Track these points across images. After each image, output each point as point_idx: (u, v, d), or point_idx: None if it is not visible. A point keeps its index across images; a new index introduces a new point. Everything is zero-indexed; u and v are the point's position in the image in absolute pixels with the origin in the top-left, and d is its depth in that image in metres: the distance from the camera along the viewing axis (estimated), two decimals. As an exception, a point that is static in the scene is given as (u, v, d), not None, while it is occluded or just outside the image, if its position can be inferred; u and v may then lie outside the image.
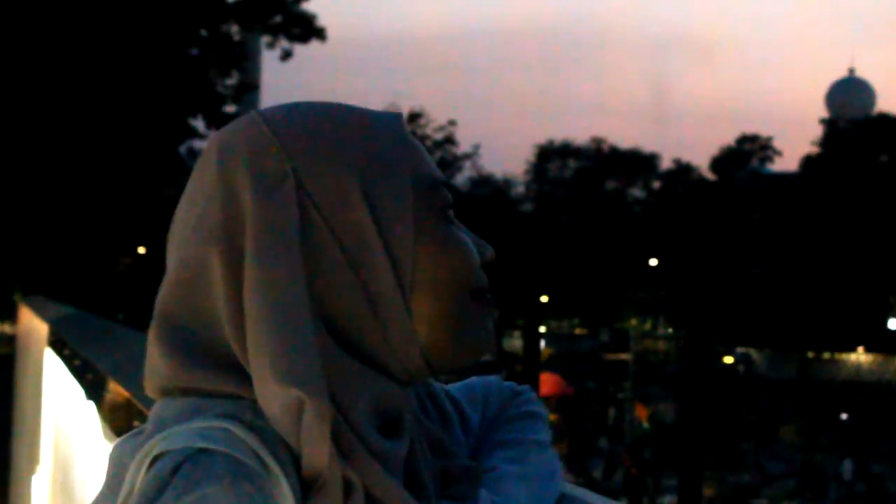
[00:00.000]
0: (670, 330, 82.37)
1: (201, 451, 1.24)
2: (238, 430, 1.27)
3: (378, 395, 1.34)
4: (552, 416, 45.97)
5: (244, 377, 1.31)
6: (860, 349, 72.59)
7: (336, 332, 1.33)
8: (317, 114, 1.39)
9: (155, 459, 1.25)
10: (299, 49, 36.89)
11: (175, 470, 1.22)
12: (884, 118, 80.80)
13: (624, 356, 62.69)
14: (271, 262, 1.29)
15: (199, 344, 1.35)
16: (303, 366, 1.26)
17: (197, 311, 1.35)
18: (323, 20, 37.11)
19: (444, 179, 1.43)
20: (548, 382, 44.83)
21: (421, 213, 1.38)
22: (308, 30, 35.73)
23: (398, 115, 1.44)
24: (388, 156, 1.38)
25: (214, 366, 1.34)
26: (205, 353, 1.35)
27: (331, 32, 38.08)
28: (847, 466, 44.03)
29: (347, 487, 1.30)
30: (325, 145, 1.36)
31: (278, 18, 35.41)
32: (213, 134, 1.45)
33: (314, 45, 35.99)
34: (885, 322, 77.01)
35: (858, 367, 72.32)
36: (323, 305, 1.32)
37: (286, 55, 36.20)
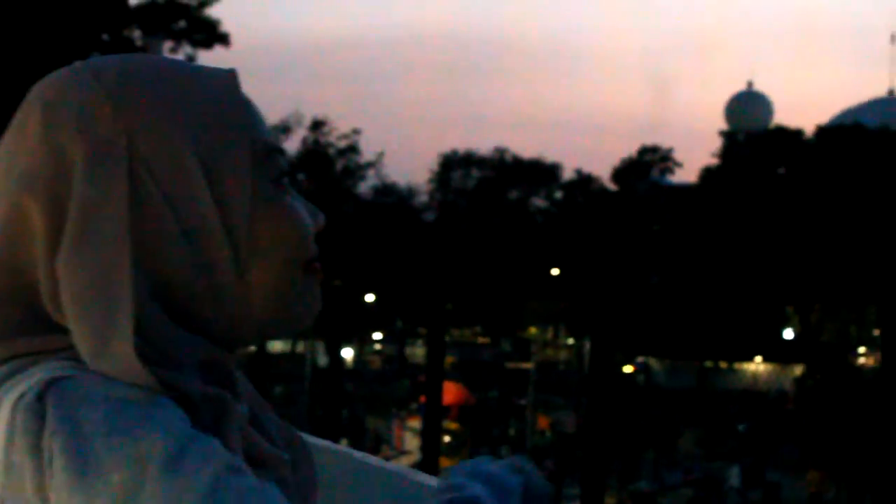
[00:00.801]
0: (571, 339, 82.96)
1: (53, 380, 1.23)
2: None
3: (207, 359, 1.31)
4: (453, 425, 45.98)
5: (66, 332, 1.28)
6: (757, 359, 73.63)
7: (166, 298, 1.30)
8: (151, 72, 1.35)
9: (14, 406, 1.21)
10: (203, 54, 36.58)
11: (40, 397, 1.20)
12: (781, 131, 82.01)
13: (526, 365, 62.98)
14: (94, 233, 1.25)
15: (18, 302, 1.30)
16: (115, 346, 1.23)
17: (16, 264, 1.29)
18: (227, 26, 36.79)
19: (280, 146, 1.40)
20: (450, 391, 44.87)
21: (257, 181, 1.36)
22: (211, 35, 35.44)
23: (234, 74, 1.40)
24: (225, 120, 1.35)
25: (38, 326, 1.29)
26: (25, 311, 1.31)
27: (235, 38, 37.85)
28: (734, 472, 44.62)
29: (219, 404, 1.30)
30: (161, 108, 1.32)
31: (182, 24, 35.09)
32: (36, 86, 1.36)
33: (218, 50, 35.71)
34: (780, 332, 78.22)
35: (755, 376, 73.34)
36: (154, 272, 1.28)
37: (189, 61, 35.85)
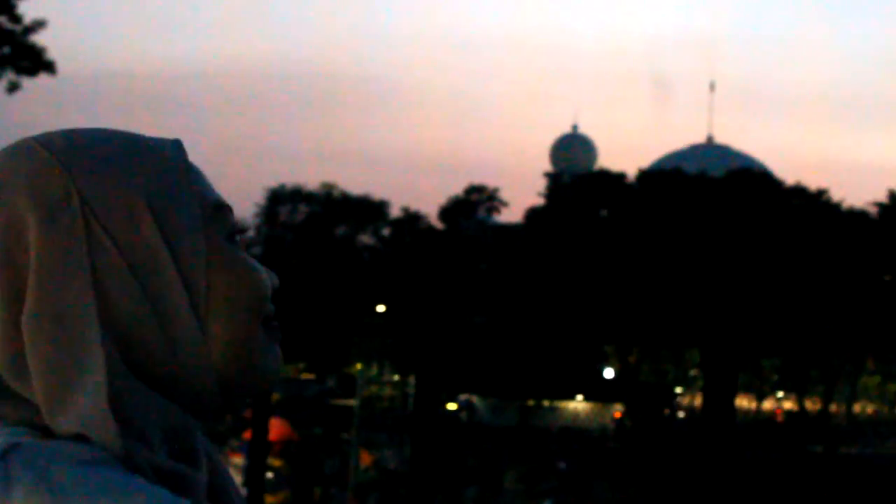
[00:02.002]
0: (396, 376, 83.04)
1: (13, 445, 1.22)
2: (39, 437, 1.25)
3: (171, 425, 1.30)
4: (277, 462, 45.57)
5: (28, 404, 1.28)
6: (578, 397, 74.66)
7: (128, 357, 1.28)
8: (97, 137, 1.35)
9: None
10: (27, 82, 35.83)
11: (2, 457, 1.20)
12: (605, 174, 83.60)
13: (350, 402, 62.76)
14: (57, 291, 1.25)
15: None
16: (91, 409, 1.22)
17: None
18: (53, 53, 36.04)
19: (229, 204, 1.41)
20: (274, 428, 44.50)
21: (211, 235, 1.36)
22: (37, 62, 34.76)
23: (179, 142, 1.42)
24: (174, 179, 1.35)
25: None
26: None
27: (62, 66, 37.09)
28: None
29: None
30: (110, 166, 1.32)
31: (6, 50, 34.34)
32: None
33: (44, 78, 35.01)
34: (600, 371, 79.54)
35: (576, 414, 74.34)
36: (115, 330, 1.28)
37: (13, 87, 35.12)
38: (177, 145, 1.42)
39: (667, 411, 74.45)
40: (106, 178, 1.31)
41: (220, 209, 1.38)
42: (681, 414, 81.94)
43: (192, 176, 1.38)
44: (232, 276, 1.36)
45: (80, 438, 1.24)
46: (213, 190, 1.40)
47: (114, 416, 1.23)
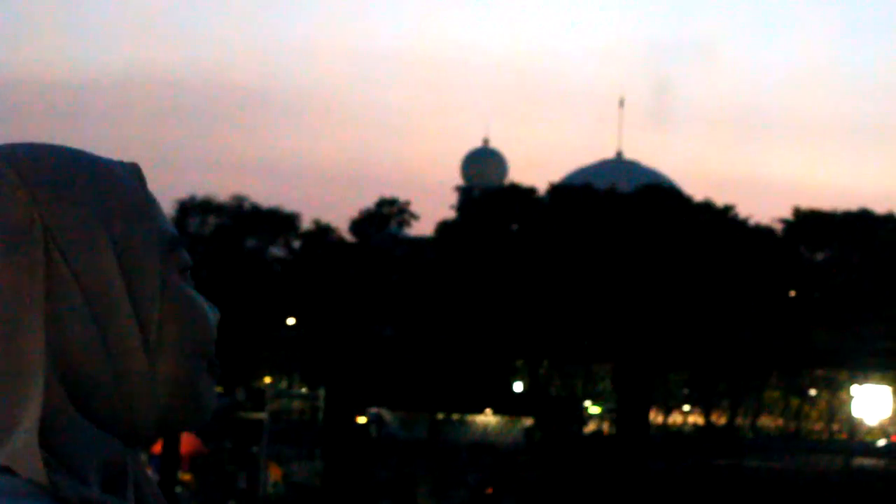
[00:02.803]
0: (305, 389, 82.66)
1: None
2: None
3: (107, 458, 1.29)
4: (186, 477, 45.12)
5: None
6: (488, 411, 74.82)
7: (73, 385, 1.28)
8: (63, 158, 1.33)
9: None
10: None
11: None
12: (515, 188, 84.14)
13: (259, 415, 62.35)
14: (8, 322, 1.25)
15: None
16: (21, 442, 1.22)
17: None
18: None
19: (183, 239, 1.41)
20: (182, 442, 44.08)
21: (166, 271, 1.36)
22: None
23: (137, 167, 1.41)
24: (134, 210, 1.35)
25: None
26: None
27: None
28: None
29: None
30: (75, 192, 1.31)
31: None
32: None
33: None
34: (510, 384, 79.82)
35: (486, 428, 74.48)
36: (64, 362, 1.27)
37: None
38: (135, 171, 1.40)
39: (590, 429, 74.71)
40: (70, 206, 1.30)
41: (176, 244, 1.38)
42: (592, 427, 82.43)
43: (151, 207, 1.38)
44: (183, 314, 1.35)
45: (8, 471, 1.24)
46: (168, 222, 1.40)
47: (49, 449, 1.23)
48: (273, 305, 70.28)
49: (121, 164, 1.42)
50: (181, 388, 1.36)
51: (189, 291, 1.38)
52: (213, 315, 1.42)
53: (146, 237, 1.35)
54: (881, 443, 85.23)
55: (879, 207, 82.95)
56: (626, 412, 73.00)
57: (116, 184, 1.35)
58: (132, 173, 1.39)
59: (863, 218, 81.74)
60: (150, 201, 1.38)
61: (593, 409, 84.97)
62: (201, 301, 1.40)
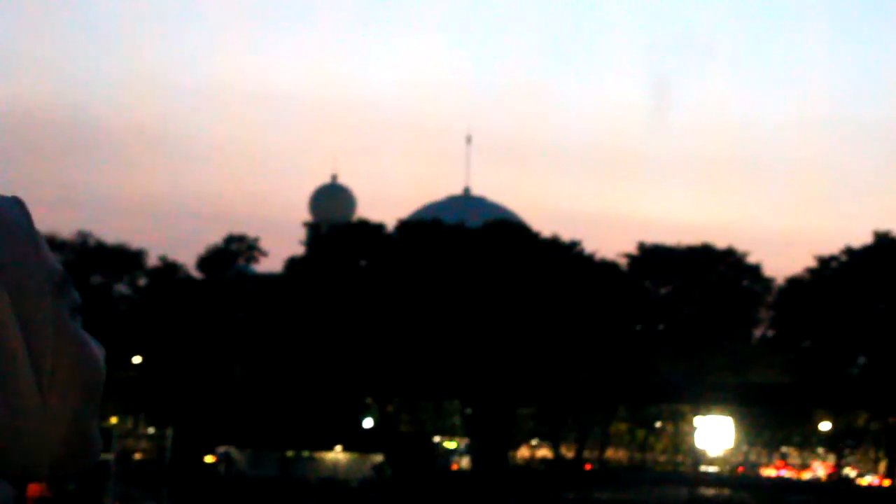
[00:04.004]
0: (152, 429, 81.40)
1: None
2: None
3: None
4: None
5: None
6: (338, 447, 74.59)
7: None
8: None
9: None
10: None
11: None
12: (364, 224, 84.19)
13: (105, 456, 61.23)
14: None
15: None
16: None
17: None
18: None
19: (71, 277, 1.40)
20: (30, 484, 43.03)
21: (57, 310, 1.34)
22: None
23: (20, 201, 1.39)
24: (22, 245, 1.33)
25: None
26: None
27: None
28: None
29: None
30: None
31: None
32: None
33: None
34: (360, 421, 79.66)
35: (336, 465, 74.20)
36: None
37: None
38: (19, 205, 1.38)
39: (430, 460, 74.91)
40: None
41: (66, 282, 1.36)
42: (457, 466, 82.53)
43: (38, 243, 1.35)
44: (74, 354, 1.34)
45: None
46: (55, 259, 1.38)
47: None
48: (119, 344, 69.05)
49: (2, 198, 1.39)
50: (73, 429, 1.33)
51: (80, 331, 1.37)
52: (101, 355, 1.40)
53: (36, 276, 1.33)
54: (711, 469, 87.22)
55: (720, 242, 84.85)
56: (481, 448, 73.26)
57: (2, 220, 1.33)
58: (16, 208, 1.37)
59: (704, 252, 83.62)
60: (39, 237, 1.36)
61: (450, 444, 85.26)
62: (91, 340, 1.39)
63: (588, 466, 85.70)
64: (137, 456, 74.66)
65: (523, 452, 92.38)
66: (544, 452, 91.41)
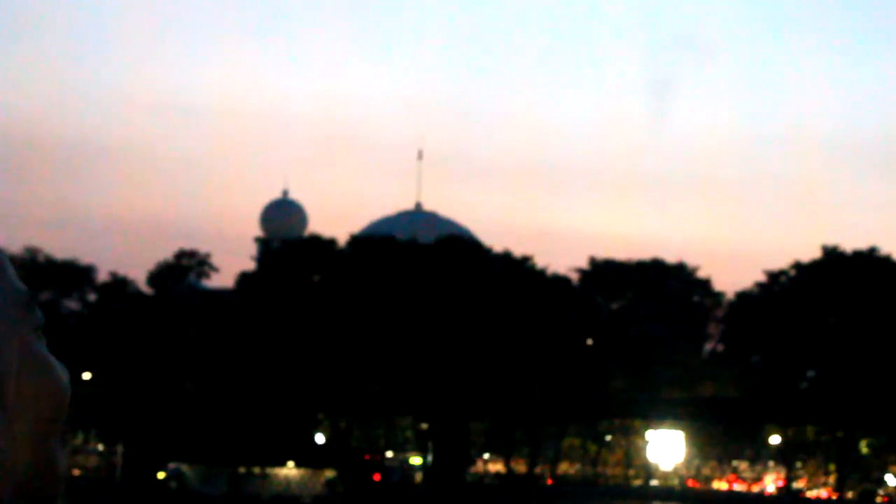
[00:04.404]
0: (101, 445, 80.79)
1: None
2: None
3: None
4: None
5: None
6: (290, 463, 74.33)
7: None
8: None
9: None
10: None
11: None
12: (315, 239, 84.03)
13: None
14: None
15: None
16: None
17: None
18: None
19: (38, 297, 1.39)
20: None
21: (23, 331, 1.33)
22: None
23: None
24: None
25: None
26: None
27: None
28: None
29: None
30: None
31: None
32: None
33: None
34: (312, 437, 79.40)
35: (288, 481, 73.94)
36: None
37: None
38: None
39: (383, 473, 74.76)
40: None
41: (31, 302, 1.35)
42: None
43: (2, 263, 1.34)
44: (39, 377, 1.32)
45: None
46: (18, 278, 1.36)
47: None
48: (68, 360, 68.51)
49: None
50: (39, 453, 1.32)
51: (45, 352, 1.35)
52: (66, 377, 1.38)
53: (1, 296, 1.31)
54: (662, 483, 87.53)
55: (670, 257, 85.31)
56: (435, 463, 72.99)
57: None
58: None
59: (655, 267, 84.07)
60: (3, 258, 1.36)
61: (415, 460, 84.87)
62: (56, 362, 1.37)
63: (550, 481, 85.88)
64: (75, 472, 73.86)
65: (476, 467, 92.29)
66: (497, 467, 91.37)
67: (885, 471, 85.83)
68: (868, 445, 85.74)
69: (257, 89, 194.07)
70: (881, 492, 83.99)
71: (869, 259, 78.56)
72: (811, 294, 77.92)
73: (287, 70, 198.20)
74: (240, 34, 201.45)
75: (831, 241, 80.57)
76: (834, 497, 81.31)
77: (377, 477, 73.16)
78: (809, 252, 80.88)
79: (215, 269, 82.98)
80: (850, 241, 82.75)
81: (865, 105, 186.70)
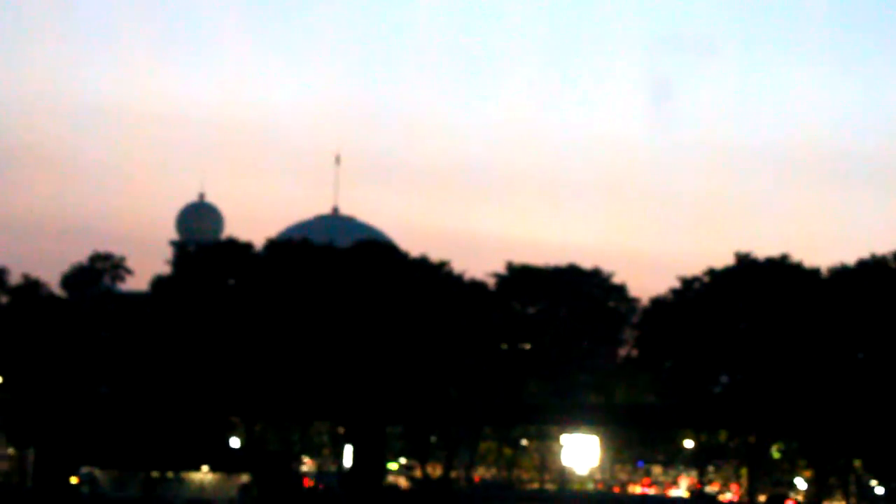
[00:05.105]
0: (12, 450, 79.81)
1: None
2: None
3: None
4: None
5: None
6: (204, 468, 73.87)
7: None
8: None
9: None
10: None
11: None
12: (232, 243, 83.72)
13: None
14: None
15: None
16: None
17: None
18: None
19: None
20: None
21: None
22: None
23: None
24: None
25: None
26: None
27: None
28: None
29: None
30: None
31: None
32: None
33: None
34: (227, 441, 79.00)
35: (203, 485, 73.47)
36: None
37: None
38: None
39: (293, 479, 74.59)
40: None
41: None
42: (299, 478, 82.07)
43: None
44: None
45: None
46: None
47: None
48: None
49: None
50: None
51: None
52: None
53: None
54: (577, 486, 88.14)
55: (586, 263, 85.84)
56: (353, 467, 72.32)
57: None
58: None
59: (571, 273, 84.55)
60: None
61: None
62: None
63: (477, 478, 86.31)
64: None
65: (393, 471, 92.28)
66: (413, 471, 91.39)
67: (795, 474, 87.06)
68: (779, 450, 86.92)
69: (174, 94, 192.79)
70: (791, 495, 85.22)
71: (780, 266, 79.62)
72: (724, 300, 78.82)
73: (205, 75, 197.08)
74: (158, 39, 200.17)
75: (745, 248, 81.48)
76: (746, 501, 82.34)
77: (307, 482, 73.08)
78: (723, 259, 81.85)
79: (130, 273, 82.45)
80: (763, 249, 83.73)
81: (777, 116, 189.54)
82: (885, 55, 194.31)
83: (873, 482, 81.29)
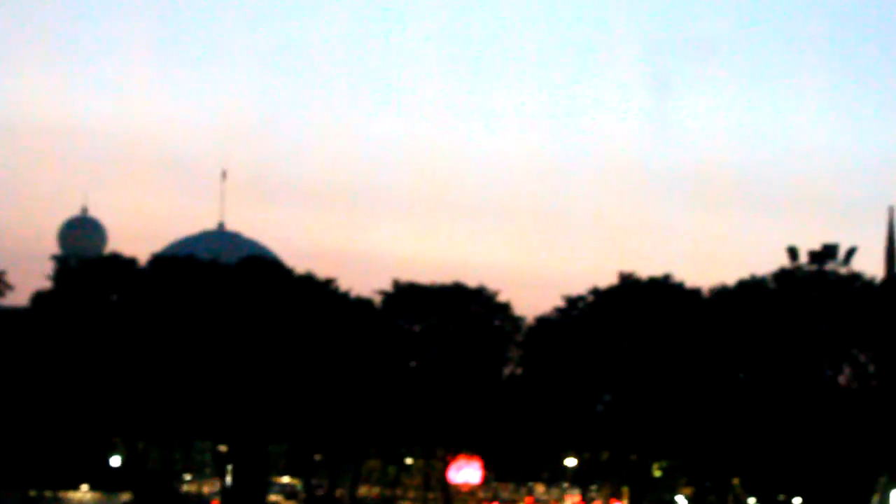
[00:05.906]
0: None
1: None
2: None
3: None
4: None
5: None
6: (84, 486, 72.95)
7: None
8: None
9: None
10: None
11: None
12: (116, 258, 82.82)
13: None
14: None
15: None
16: None
17: None
18: None
19: None
20: None
21: None
22: None
23: None
24: None
25: None
26: None
27: None
28: None
29: None
30: None
31: None
32: None
33: None
34: (107, 459, 78.02)
35: (82, 504, 72.62)
36: None
37: None
38: None
39: (175, 497, 73.95)
40: None
41: None
42: (189, 499, 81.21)
43: None
44: None
45: None
46: None
47: None
48: None
49: None
50: None
51: None
52: None
53: None
54: None
55: (472, 281, 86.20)
56: (234, 485, 71.82)
57: None
58: None
59: (456, 291, 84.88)
60: None
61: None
62: None
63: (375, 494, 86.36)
64: None
65: (275, 490, 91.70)
66: (297, 490, 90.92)
67: (675, 492, 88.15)
68: (660, 468, 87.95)
69: (56, 106, 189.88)
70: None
71: (662, 286, 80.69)
72: (608, 319, 79.62)
73: (88, 88, 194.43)
74: (43, 51, 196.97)
75: (628, 267, 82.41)
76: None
77: None
78: (607, 278, 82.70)
79: (11, 288, 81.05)
80: (646, 268, 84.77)
81: (665, 136, 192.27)
82: (768, 81, 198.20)
83: (751, 500, 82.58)
